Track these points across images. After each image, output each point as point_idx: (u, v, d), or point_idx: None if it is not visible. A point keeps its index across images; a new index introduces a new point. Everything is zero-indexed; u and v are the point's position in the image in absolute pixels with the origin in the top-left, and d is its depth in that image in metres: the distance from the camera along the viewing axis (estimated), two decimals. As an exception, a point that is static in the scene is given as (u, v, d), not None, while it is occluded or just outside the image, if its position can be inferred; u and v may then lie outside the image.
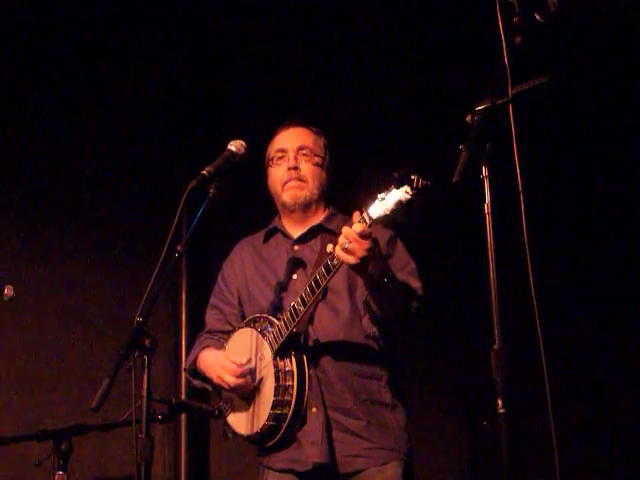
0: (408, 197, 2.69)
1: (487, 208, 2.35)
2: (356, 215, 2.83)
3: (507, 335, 2.26)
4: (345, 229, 2.81)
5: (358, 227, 2.78)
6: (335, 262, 2.89)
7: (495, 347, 2.27)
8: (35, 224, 4.96)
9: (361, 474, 3.04)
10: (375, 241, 2.83)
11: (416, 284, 3.13)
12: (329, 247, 2.89)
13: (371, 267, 2.85)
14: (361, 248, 2.78)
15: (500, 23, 2.46)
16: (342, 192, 3.31)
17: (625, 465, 4.69)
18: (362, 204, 2.82)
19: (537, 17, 2.50)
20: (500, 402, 2.23)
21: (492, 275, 2.30)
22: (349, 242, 2.78)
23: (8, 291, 3.43)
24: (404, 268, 3.15)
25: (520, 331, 2.60)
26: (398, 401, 3.16)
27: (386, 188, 2.74)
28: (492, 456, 4.91)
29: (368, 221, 2.78)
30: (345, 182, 3.40)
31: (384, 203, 2.74)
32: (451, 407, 5.47)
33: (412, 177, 2.69)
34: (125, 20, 5.24)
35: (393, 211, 2.72)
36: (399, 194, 2.71)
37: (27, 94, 5.03)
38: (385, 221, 2.78)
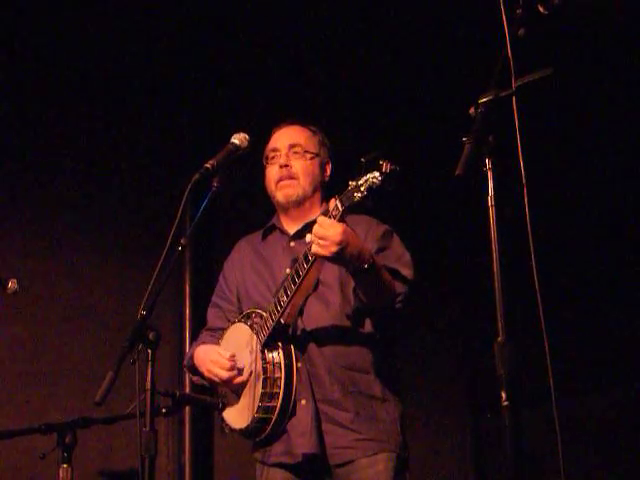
0: (377, 182, 2.70)
1: (490, 201, 2.34)
2: (332, 202, 2.85)
3: (511, 328, 2.26)
4: (315, 227, 2.83)
5: (323, 221, 2.80)
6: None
7: (499, 340, 2.26)
8: (39, 217, 4.97)
9: (351, 465, 3.03)
10: (347, 231, 2.83)
11: (407, 271, 3.12)
12: (308, 237, 2.89)
13: (347, 256, 2.85)
14: (332, 242, 2.79)
15: (503, 15, 2.45)
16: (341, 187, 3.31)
17: (629, 458, 4.69)
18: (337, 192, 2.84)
19: (540, 9, 2.50)
20: (504, 395, 2.23)
21: (496, 268, 2.30)
22: (319, 239, 2.80)
23: (12, 284, 3.43)
24: (398, 260, 3.15)
25: (524, 324, 2.60)
26: (389, 394, 3.15)
27: (357, 174, 2.75)
28: (496, 449, 4.92)
29: (340, 208, 2.80)
30: (344, 177, 3.40)
31: (355, 189, 2.75)
32: (455, 400, 5.48)
33: (380, 162, 2.71)
34: (127, 15, 5.24)
35: (364, 197, 2.73)
36: (368, 180, 2.72)
37: (33, 93, 5.04)
38: (357, 207, 2.79)
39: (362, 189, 2.73)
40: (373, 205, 2.77)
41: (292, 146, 3.31)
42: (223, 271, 3.47)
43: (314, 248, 2.83)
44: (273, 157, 3.33)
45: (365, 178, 2.73)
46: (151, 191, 5.19)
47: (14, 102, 5.00)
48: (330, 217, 2.84)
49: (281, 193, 3.29)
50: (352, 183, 2.77)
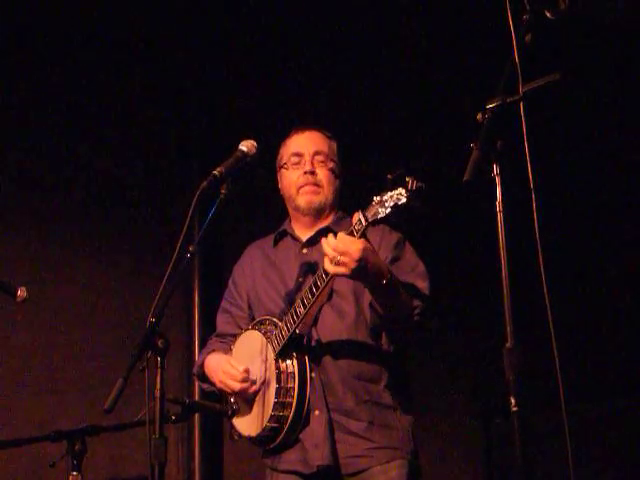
0: (403, 200, 2.70)
1: (498, 206, 2.34)
2: (355, 216, 2.84)
3: (520, 333, 2.26)
4: (328, 241, 2.83)
5: (343, 238, 2.81)
6: None
7: (508, 345, 2.26)
8: (48, 226, 4.98)
9: (365, 474, 3.02)
10: (365, 248, 2.83)
11: (422, 284, 3.11)
12: (324, 241, 2.89)
13: (366, 273, 2.85)
14: (351, 259, 2.80)
15: (510, 20, 2.46)
16: (350, 196, 3.32)
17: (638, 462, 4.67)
18: (360, 207, 2.83)
19: (547, 14, 2.50)
20: (513, 400, 2.23)
21: (504, 273, 2.30)
22: (338, 255, 2.80)
23: (21, 293, 3.43)
24: (413, 270, 3.14)
25: (533, 329, 2.59)
26: (400, 403, 3.13)
27: (381, 190, 2.75)
28: (506, 454, 4.91)
29: (364, 223, 2.80)
30: (353, 186, 3.40)
31: (379, 206, 2.75)
32: (464, 406, 5.47)
33: (407, 179, 2.70)
34: (132, 21, 5.26)
35: (389, 214, 2.73)
36: (394, 197, 2.72)
37: (43, 99, 5.06)
38: (380, 223, 2.80)
39: (387, 205, 2.72)
40: (397, 221, 2.77)
41: (316, 153, 3.28)
42: (233, 276, 3.45)
43: (333, 268, 2.82)
44: (296, 162, 3.29)
45: (390, 194, 2.72)
46: (159, 199, 5.20)
47: (19, 106, 5.02)
48: (353, 231, 2.84)
49: (304, 199, 3.26)
50: (377, 198, 2.76)
